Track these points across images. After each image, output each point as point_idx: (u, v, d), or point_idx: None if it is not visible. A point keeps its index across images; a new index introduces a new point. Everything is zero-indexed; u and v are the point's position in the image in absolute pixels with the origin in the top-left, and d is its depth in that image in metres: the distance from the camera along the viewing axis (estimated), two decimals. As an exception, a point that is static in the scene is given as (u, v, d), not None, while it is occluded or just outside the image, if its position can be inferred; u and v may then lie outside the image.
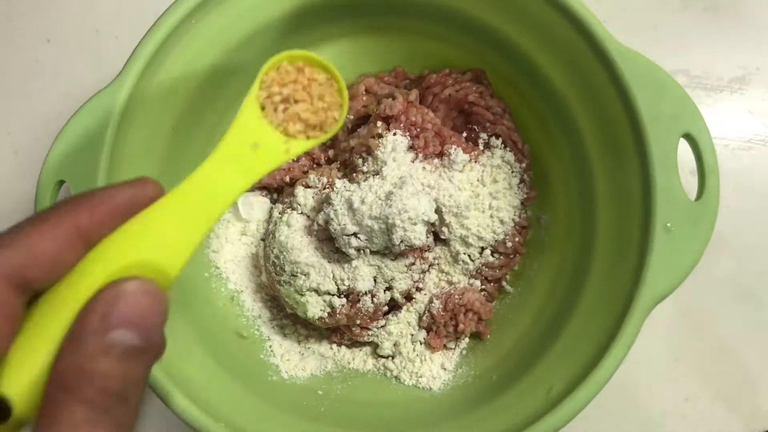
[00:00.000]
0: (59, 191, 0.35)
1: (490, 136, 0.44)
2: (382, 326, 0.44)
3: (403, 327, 0.44)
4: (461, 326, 0.43)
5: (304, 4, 0.41)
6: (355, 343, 0.45)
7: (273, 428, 0.37)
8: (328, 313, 0.41)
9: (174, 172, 0.41)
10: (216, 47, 0.39)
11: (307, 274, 0.41)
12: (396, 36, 0.44)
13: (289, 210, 0.43)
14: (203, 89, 0.40)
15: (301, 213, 0.43)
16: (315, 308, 0.41)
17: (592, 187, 0.40)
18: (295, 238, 0.42)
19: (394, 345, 0.44)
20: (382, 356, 0.44)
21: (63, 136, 0.35)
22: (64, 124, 0.35)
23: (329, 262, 0.41)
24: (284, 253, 0.41)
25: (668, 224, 0.34)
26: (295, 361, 0.43)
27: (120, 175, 0.36)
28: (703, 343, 0.47)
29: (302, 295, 0.41)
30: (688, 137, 0.35)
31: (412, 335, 0.44)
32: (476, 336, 0.44)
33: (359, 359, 0.44)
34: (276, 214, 0.44)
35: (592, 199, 0.40)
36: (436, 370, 0.43)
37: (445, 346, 0.44)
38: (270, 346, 0.43)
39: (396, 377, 0.43)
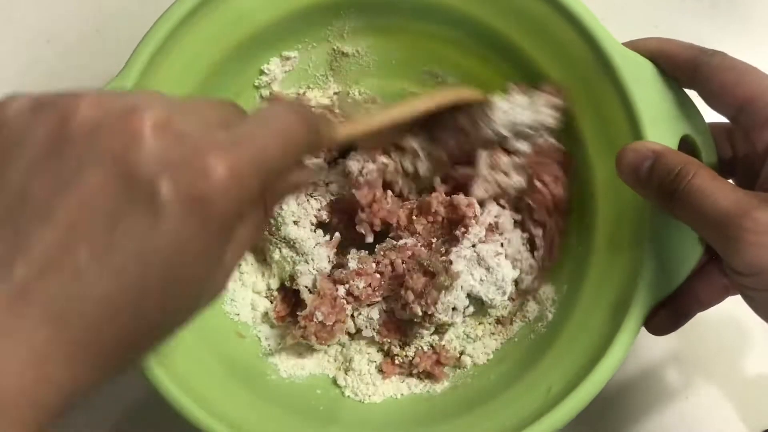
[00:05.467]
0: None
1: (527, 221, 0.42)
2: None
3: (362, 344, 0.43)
4: (416, 359, 0.41)
5: (304, 5, 0.41)
6: None
7: (273, 427, 0.37)
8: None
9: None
10: (216, 47, 0.39)
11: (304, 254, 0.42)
12: (396, 36, 0.44)
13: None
14: (203, 88, 0.40)
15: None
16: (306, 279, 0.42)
17: (592, 187, 0.40)
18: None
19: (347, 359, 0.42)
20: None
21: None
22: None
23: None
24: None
25: (668, 224, 0.34)
26: (294, 360, 0.43)
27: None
28: (703, 343, 0.47)
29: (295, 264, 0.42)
30: (688, 138, 0.35)
31: (368, 354, 0.43)
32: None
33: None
34: None
35: (591, 199, 0.40)
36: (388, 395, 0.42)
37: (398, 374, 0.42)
38: (269, 345, 0.43)
39: (344, 395, 0.42)
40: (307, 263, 0.42)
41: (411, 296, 0.39)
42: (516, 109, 0.39)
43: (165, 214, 0.20)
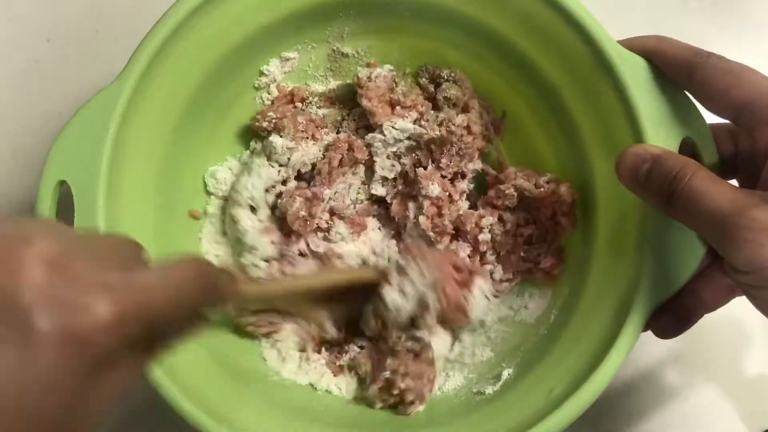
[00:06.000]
0: (60, 191, 0.35)
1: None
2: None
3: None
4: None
5: (303, 7, 0.41)
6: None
7: (273, 428, 0.37)
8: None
9: (173, 173, 0.41)
10: (217, 47, 0.39)
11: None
12: (395, 37, 0.44)
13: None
14: (203, 89, 0.40)
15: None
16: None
17: (593, 189, 0.40)
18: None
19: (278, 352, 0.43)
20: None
21: (64, 136, 0.35)
22: (65, 123, 0.35)
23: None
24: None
25: (669, 226, 0.34)
26: (295, 362, 0.43)
27: (121, 176, 0.36)
28: (703, 343, 0.47)
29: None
30: (689, 140, 0.35)
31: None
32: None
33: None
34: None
35: (593, 201, 0.40)
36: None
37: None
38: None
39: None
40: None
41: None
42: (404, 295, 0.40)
43: (36, 345, 0.19)
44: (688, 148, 0.34)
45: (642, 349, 0.46)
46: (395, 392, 0.40)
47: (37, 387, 0.19)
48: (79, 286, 0.20)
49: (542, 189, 0.41)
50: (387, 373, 0.40)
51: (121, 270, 0.22)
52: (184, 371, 0.35)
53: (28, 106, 0.50)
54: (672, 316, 0.34)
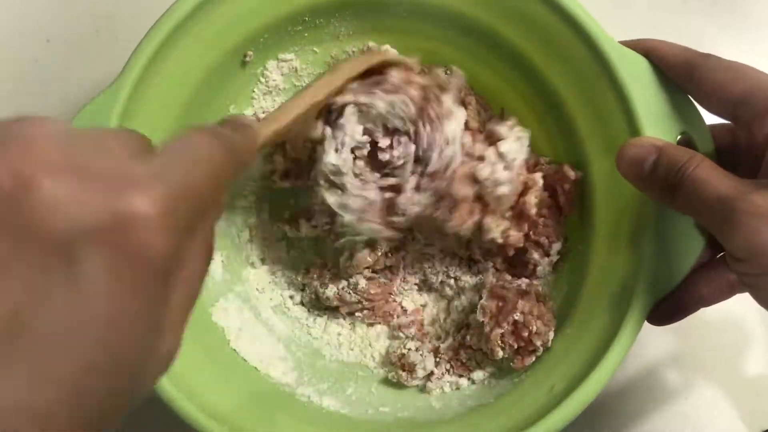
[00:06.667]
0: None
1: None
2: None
3: None
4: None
5: (300, 8, 0.41)
6: None
7: (276, 429, 0.37)
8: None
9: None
10: (216, 48, 0.39)
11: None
12: (393, 37, 0.44)
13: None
14: (202, 90, 0.40)
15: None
16: None
17: (591, 186, 0.40)
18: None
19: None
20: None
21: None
22: (64, 125, 0.35)
23: None
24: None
25: (668, 219, 0.34)
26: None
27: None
28: (703, 343, 0.47)
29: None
30: (686, 135, 0.35)
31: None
32: None
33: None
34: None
35: (591, 198, 0.40)
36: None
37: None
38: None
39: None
40: None
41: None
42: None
43: (88, 280, 0.15)
44: (684, 143, 0.35)
45: (642, 349, 0.46)
46: (525, 334, 0.38)
47: (97, 329, 0.16)
48: (109, 188, 0.16)
49: (542, 166, 0.41)
50: (517, 315, 0.38)
51: (139, 159, 0.18)
52: (185, 374, 0.35)
53: (27, 106, 0.50)
54: (668, 305, 0.34)
